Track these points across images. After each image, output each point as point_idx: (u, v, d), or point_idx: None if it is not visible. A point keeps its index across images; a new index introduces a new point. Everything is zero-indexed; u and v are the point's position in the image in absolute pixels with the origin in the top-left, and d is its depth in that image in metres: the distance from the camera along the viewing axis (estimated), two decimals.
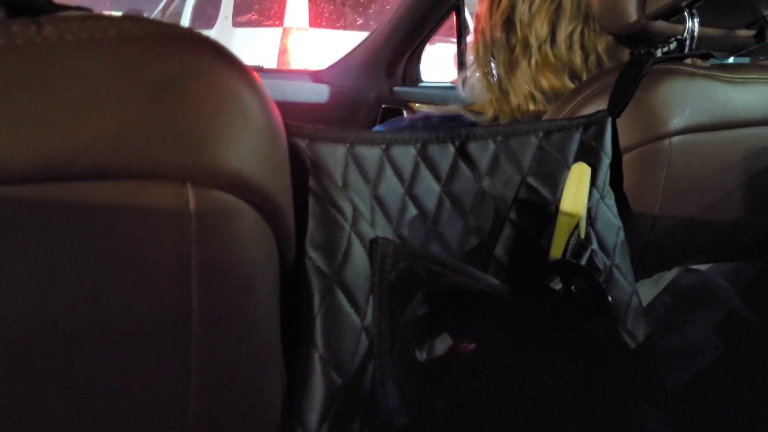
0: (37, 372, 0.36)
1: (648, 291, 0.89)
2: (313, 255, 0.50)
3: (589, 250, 0.65)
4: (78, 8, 0.37)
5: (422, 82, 1.96)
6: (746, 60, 0.84)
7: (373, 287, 0.53)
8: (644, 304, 0.86)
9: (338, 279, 0.51)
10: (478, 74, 0.92)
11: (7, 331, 0.34)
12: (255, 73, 0.40)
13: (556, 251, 0.64)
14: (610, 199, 0.69)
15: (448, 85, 1.96)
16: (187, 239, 0.37)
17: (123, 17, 0.35)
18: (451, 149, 0.61)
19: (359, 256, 0.52)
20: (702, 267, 0.95)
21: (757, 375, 0.83)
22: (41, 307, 0.35)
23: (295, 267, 0.50)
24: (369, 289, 0.53)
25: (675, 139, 0.70)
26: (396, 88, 1.92)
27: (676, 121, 0.70)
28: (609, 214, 0.69)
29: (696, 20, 0.75)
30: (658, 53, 0.74)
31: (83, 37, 0.33)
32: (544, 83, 0.83)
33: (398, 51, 1.87)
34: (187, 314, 0.39)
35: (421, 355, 0.56)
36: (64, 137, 0.32)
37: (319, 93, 1.94)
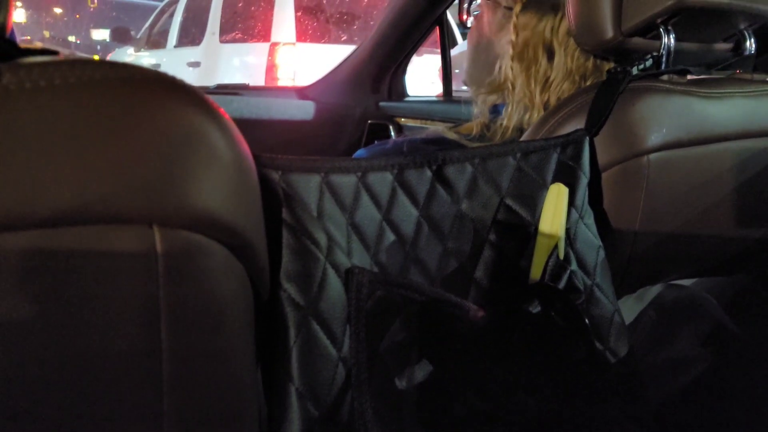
0: (7, 416, 0.35)
1: (632, 306, 0.89)
2: (288, 287, 0.50)
3: (568, 271, 0.65)
4: (43, 51, 0.37)
5: (408, 96, 1.96)
6: (724, 74, 0.85)
7: (349, 317, 0.52)
8: (629, 319, 0.86)
9: (313, 310, 0.51)
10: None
11: None
12: (222, 110, 0.39)
13: (536, 272, 0.63)
14: (590, 219, 0.69)
15: (434, 99, 1.96)
16: (155, 281, 0.37)
17: (84, 61, 0.35)
18: (428, 173, 0.61)
19: (335, 286, 0.52)
20: (685, 282, 0.95)
21: (744, 388, 0.83)
22: (9, 353, 0.34)
23: (270, 300, 0.49)
24: (345, 320, 0.52)
25: (653, 155, 0.70)
26: (382, 103, 1.92)
27: (654, 138, 0.70)
28: (588, 234, 0.68)
29: (672, 36, 0.75)
30: (635, 71, 0.74)
31: (42, 84, 0.33)
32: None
33: (383, 66, 1.87)
34: (157, 355, 0.38)
35: (401, 383, 0.56)
36: (22, 187, 0.32)
37: (305, 110, 1.93)
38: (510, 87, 0.85)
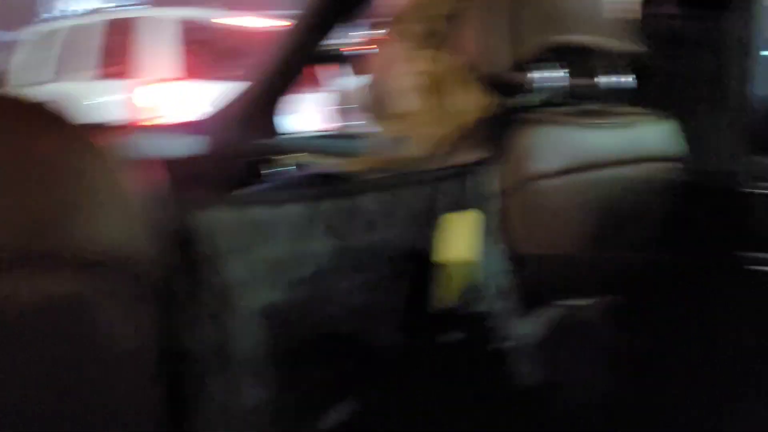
0: None
1: (533, 329, 0.92)
2: (204, 325, 0.48)
3: (479, 296, 0.66)
4: None
5: (293, 132, 1.96)
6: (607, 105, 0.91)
7: (265, 358, 0.51)
8: (533, 342, 0.89)
9: (231, 350, 0.49)
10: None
11: None
12: (113, 146, 0.38)
13: (448, 299, 0.64)
14: (496, 243, 0.71)
15: (325, 133, 1.98)
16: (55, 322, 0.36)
17: None
18: (342, 204, 0.61)
19: (252, 324, 0.51)
20: (585, 302, 0.99)
21: (641, 405, 0.87)
22: None
23: (184, 340, 0.47)
24: (262, 361, 0.51)
25: (546, 182, 0.75)
26: (267, 140, 1.91)
27: (545, 166, 0.75)
28: (495, 259, 0.70)
29: (561, 71, 0.80)
30: (526, 103, 0.79)
31: None
32: None
33: (271, 102, 1.87)
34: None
35: (326, 422, 0.55)
36: None
37: (192, 146, 1.89)
38: (414, 120, 0.86)
